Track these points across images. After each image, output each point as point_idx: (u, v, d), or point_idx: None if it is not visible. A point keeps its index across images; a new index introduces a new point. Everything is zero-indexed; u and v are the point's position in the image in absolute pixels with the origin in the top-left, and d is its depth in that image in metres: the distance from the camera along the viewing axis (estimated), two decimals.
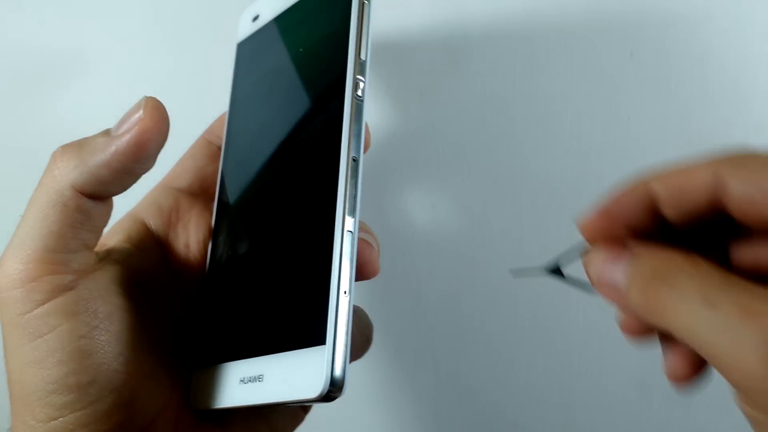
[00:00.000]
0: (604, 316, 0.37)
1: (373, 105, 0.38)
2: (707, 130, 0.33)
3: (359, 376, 0.42)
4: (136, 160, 0.24)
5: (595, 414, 0.38)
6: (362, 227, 0.27)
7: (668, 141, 0.34)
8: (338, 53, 0.26)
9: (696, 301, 0.17)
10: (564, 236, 0.37)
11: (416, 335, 0.41)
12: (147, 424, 0.25)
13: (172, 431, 0.26)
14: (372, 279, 0.26)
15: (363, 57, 0.26)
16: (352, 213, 0.24)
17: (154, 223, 0.29)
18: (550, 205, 0.36)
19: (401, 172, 0.39)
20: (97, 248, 0.27)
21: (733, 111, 0.32)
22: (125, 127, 0.24)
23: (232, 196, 0.29)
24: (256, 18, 0.32)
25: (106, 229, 0.28)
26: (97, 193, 0.24)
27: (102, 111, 0.30)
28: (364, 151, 0.28)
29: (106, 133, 0.24)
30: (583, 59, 0.34)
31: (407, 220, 0.39)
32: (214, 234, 0.30)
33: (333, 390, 0.22)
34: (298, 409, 0.30)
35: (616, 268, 0.21)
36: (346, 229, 0.24)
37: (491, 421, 0.40)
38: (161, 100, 0.25)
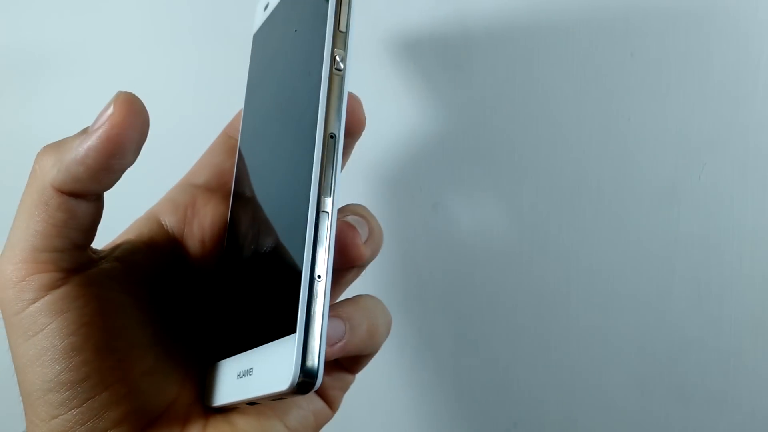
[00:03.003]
0: (604, 315, 0.37)
1: (373, 104, 0.38)
2: (707, 130, 0.33)
3: (359, 376, 0.42)
4: (109, 156, 0.23)
5: (595, 414, 0.38)
6: (353, 210, 0.26)
7: (668, 141, 0.34)
8: (321, 28, 0.25)
9: None
10: (564, 235, 0.37)
11: (416, 335, 0.41)
12: (152, 419, 0.25)
13: (181, 428, 0.26)
14: (359, 267, 0.25)
15: (343, 28, 0.24)
16: (328, 193, 0.23)
17: (169, 220, 0.29)
18: (550, 204, 0.36)
19: (402, 171, 0.39)
20: (107, 246, 0.27)
21: (733, 111, 0.32)
22: (98, 123, 0.23)
23: (243, 189, 0.29)
24: (266, 6, 0.32)
25: (120, 229, 0.28)
26: (77, 191, 0.24)
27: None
28: (359, 131, 0.27)
29: (84, 131, 0.24)
30: (584, 59, 0.34)
31: (407, 220, 0.39)
32: (228, 229, 0.29)
33: (306, 382, 0.21)
34: (321, 405, 0.28)
35: None
36: (321, 210, 0.22)
37: (491, 421, 0.40)
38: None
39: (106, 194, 0.25)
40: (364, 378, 0.42)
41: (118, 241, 0.28)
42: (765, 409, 0.35)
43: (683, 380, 0.36)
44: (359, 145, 0.39)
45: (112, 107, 0.23)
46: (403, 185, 0.39)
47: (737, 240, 0.33)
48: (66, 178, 0.23)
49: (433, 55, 0.37)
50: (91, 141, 0.23)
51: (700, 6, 0.32)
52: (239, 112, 0.32)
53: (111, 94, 0.24)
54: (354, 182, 0.39)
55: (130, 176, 0.25)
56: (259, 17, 0.32)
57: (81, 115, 0.42)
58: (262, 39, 0.32)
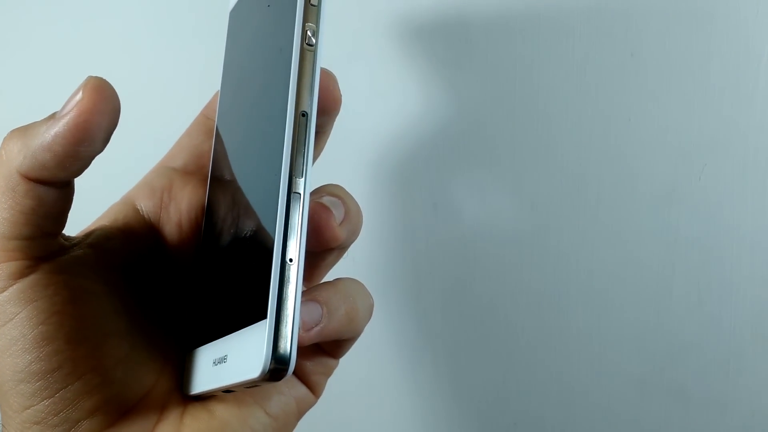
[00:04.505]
0: (604, 315, 0.37)
1: (373, 104, 0.38)
2: (707, 131, 0.33)
3: (358, 375, 0.42)
4: (77, 143, 0.22)
5: (595, 414, 0.38)
6: (329, 191, 0.26)
7: (668, 142, 0.34)
8: (292, 2, 0.24)
9: None
10: (564, 235, 0.37)
11: (416, 334, 0.41)
12: (127, 408, 0.25)
13: (158, 416, 0.25)
14: (338, 249, 0.24)
15: (314, 2, 0.23)
16: (300, 173, 0.22)
17: (145, 204, 0.28)
18: (550, 204, 0.36)
19: (402, 170, 0.39)
20: (83, 233, 0.26)
21: (733, 111, 0.32)
22: (66, 109, 0.22)
23: (219, 172, 0.28)
24: None
25: (95, 215, 0.27)
26: (44, 178, 0.23)
27: None
28: (334, 109, 0.25)
29: (52, 116, 0.23)
30: (584, 59, 0.34)
31: (408, 219, 0.39)
32: (206, 212, 0.28)
33: (278, 368, 0.20)
34: (304, 392, 0.28)
35: None
36: (293, 191, 0.21)
37: (491, 421, 0.40)
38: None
39: (85, 180, 0.25)
40: (364, 377, 0.42)
41: (92, 227, 0.27)
42: (765, 409, 0.35)
43: (683, 380, 0.36)
44: (359, 145, 0.39)
45: (81, 93, 0.22)
46: (403, 185, 0.39)
47: (737, 241, 0.33)
48: (33, 164, 0.23)
49: (433, 55, 0.37)
50: (58, 127, 0.22)
51: (700, 6, 0.32)
52: (216, 93, 0.31)
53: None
54: (354, 182, 0.39)
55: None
56: None
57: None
58: (237, 16, 0.31)
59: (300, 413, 0.28)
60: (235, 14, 0.31)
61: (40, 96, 0.45)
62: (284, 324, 0.20)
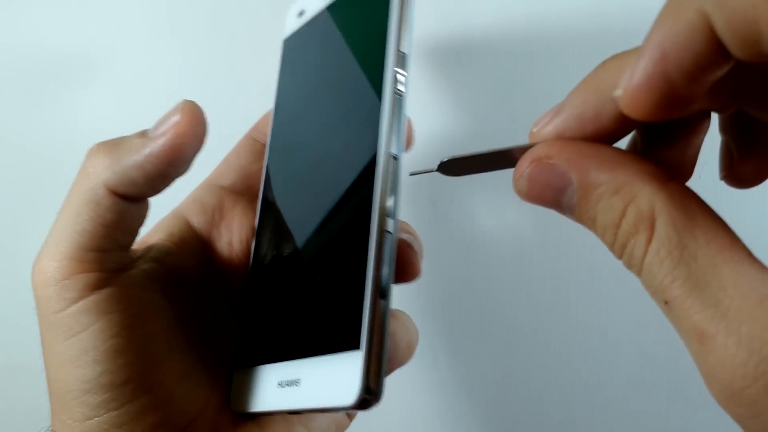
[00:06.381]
0: (604, 315, 0.37)
1: None
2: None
3: None
4: (170, 164, 0.23)
5: (595, 413, 0.38)
6: (405, 228, 0.27)
7: None
8: (379, 46, 0.24)
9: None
10: (564, 234, 0.37)
11: None
12: (185, 424, 0.25)
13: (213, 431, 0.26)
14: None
15: (404, 50, 0.24)
16: (392, 213, 0.23)
17: (197, 221, 0.29)
18: None
19: (401, 170, 0.39)
20: (138, 246, 0.27)
21: None
22: (161, 129, 0.23)
23: (275, 195, 0.29)
24: (301, 13, 0.31)
25: (149, 227, 0.27)
26: (130, 195, 0.24)
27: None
28: (407, 148, 0.27)
29: (143, 134, 0.24)
30: (584, 59, 0.34)
31: (407, 218, 0.39)
32: (257, 233, 0.29)
33: (368, 398, 0.21)
34: (342, 415, 0.29)
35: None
36: (384, 229, 0.22)
37: (491, 420, 0.40)
38: (199, 103, 0.24)
39: None
40: None
41: (150, 241, 0.27)
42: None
43: (683, 380, 0.36)
44: None
45: (178, 115, 0.23)
46: (402, 183, 0.39)
47: None
48: (122, 180, 0.23)
49: (433, 55, 0.37)
50: (153, 147, 0.23)
51: None
52: (265, 116, 0.32)
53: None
54: None
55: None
56: (293, 23, 0.32)
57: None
58: (295, 46, 0.31)
59: None
60: (292, 44, 0.32)
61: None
62: (376, 356, 0.21)
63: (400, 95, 0.24)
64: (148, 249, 0.27)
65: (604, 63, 0.19)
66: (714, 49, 0.15)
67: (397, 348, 0.25)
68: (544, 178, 0.18)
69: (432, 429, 0.42)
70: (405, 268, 0.25)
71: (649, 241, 0.16)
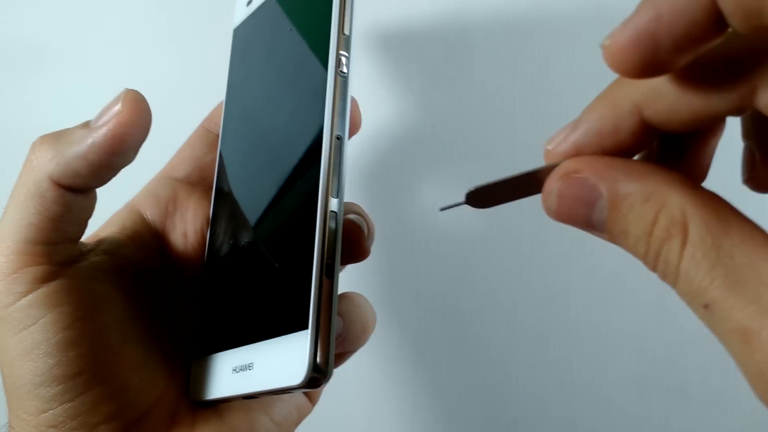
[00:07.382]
0: (604, 315, 0.37)
1: (374, 103, 0.38)
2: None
3: (359, 375, 0.42)
4: (113, 154, 0.23)
5: (595, 413, 0.38)
6: (353, 209, 0.27)
7: None
8: (323, 30, 0.25)
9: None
10: (564, 234, 0.37)
11: (416, 334, 0.40)
12: (141, 414, 0.25)
13: (169, 422, 0.26)
14: (361, 264, 0.26)
15: (347, 32, 0.25)
16: (336, 193, 0.23)
17: (151, 213, 0.29)
18: None
19: (401, 169, 0.39)
20: (91, 239, 0.27)
21: None
22: (103, 119, 0.23)
23: (229, 184, 0.29)
24: (249, 2, 0.32)
25: (99, 221, 0.27)
26: (75, 186, 0.24)
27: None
28: (354, 131, 0.27)
29: (86, 125, 0.23)
30: (584, 58, 0.34)
31: (407, 219, 0.39)
32: (211, 222, 0.29)
33: (317, 376, 0.21)
34: (303, 400, 0.29)
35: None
36: (329, 210, 0.23)
37: (491, 420, 0.40)
38: (153, 94, 0.24)
39: None
40: (363, 376, 0.42)
41: (102, 234, 0.27)
42: (765, 409, 0.35)
43: (683, 380, 0.36)
44: (359, 144, 0.39)
45: (119, 104, 0.23)
46: (402, 184, 0.39)
47: None
48: (66, 172, 0.23)
49: (433, 55, 0.37)
50: (95, 137, 0.23)
51: None
52: (218, 107, 0.32)
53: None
54: (354, 181, 0.38)
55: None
56: (241, 12, 0.32)
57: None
58: (244, 35, 0.32)
59: (299, 420, 0.28)
60: (241, 32, 0.32)
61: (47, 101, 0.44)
62: (324, 335, 0.21)
63: (344, 77, 0.24)
64: (100, 242, 0.27)
65: (620, 78, 0.19)
66: (709, 18, 0.15)
67: (350, 328, 0.25)
68: (574, 193, 0.18)
69: (432, 428, 0.42)
70: (353, 248, 0.25)
71: (684, 244, 0.16)
